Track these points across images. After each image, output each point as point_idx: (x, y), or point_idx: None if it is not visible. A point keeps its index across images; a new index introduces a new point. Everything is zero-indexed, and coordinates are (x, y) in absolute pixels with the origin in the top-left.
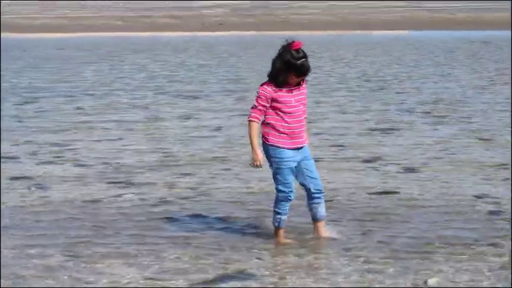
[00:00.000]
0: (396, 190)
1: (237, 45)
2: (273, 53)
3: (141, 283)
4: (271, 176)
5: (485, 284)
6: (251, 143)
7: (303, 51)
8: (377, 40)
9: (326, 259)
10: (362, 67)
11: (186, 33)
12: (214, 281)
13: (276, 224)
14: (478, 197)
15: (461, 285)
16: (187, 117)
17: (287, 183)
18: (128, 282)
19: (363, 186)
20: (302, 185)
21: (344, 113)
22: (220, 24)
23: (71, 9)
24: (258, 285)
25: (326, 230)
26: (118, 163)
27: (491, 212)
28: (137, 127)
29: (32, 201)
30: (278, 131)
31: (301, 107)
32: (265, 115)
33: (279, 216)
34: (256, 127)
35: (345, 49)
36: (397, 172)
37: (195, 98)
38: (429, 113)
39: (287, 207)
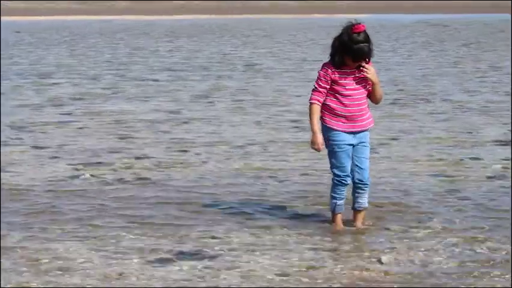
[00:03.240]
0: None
1: (198, 29)
2: (234, 36)
3: (96, 263)
4: (327, 156)
5: (435, 259)
6: (311, 125)
7: (365, 35)
8: (338, 23)
9: (281, 240)
10: (319, 50)
11: (147, 17)
12: (170, 259)
13: (332, 208)
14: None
15: (416, 262)
16: (146, 101)
17: (342, 167)
18: (83, 262)
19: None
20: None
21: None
22: (182, 8)
23: None
24: (213, 263)
25: (361, 220)
26: (75, 145)
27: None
28: (96, 111)
29: None
30: (335, 113)
31: (363, 89)
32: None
33: (334, 200)
34: (316, 109)
35: (304, 32)
36: None
37: (156, 81)
38: (388, 95)
39: (343, 191)
